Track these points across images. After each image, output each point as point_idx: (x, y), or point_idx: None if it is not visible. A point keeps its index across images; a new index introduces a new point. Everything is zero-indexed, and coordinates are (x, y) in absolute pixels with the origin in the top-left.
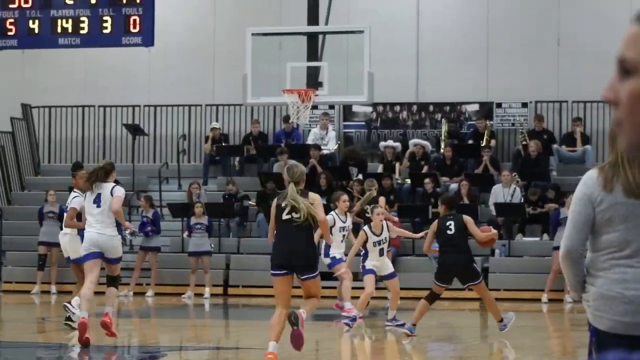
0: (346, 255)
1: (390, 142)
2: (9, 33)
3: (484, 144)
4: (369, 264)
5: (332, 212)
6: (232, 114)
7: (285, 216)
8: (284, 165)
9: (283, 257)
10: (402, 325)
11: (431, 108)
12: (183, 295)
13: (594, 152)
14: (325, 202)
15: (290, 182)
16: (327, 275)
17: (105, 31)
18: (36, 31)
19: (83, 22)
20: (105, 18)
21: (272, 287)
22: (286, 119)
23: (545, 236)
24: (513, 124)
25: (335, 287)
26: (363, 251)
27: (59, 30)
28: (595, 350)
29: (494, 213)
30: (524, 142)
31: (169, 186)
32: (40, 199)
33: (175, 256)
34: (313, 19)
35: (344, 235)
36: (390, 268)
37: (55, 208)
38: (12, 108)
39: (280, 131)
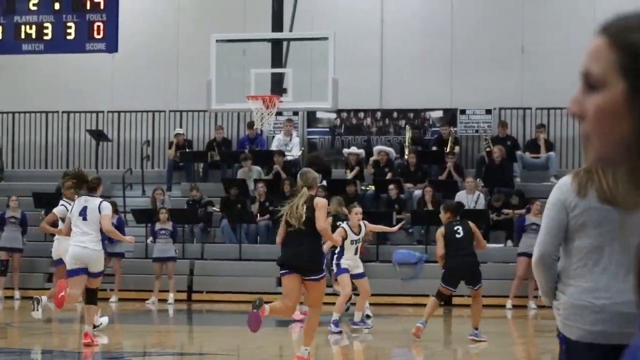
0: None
1: (353, 149)
2: None
3: (447, 150)
4: (344, 263)
5: (344, 224)
6: (196, 120)
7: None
8: (247, 171)
9: (288, 258)
10: (370, 327)
11: (395, 115)
12: (147, 301)
13: (557, 159)
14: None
15: (303, 187)
16: None
17: (69, 37)
18: (0, 37)
19: (47, 28)
20: (69, 24)
21: (235, 292)
22: (250, 125)
23: (510, 242)
24: (477, 131)
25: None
26: (338, 249)
27: (23, 36)
28: (565, 359)
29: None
30: (487, 149)
31: (133, 192)
32: (2, 204)
33: (139, 262)
34: (277, 25)
35: (356, 249)
36: (361, 267)
37: (17, 213)
38: None
39: (244, 137)
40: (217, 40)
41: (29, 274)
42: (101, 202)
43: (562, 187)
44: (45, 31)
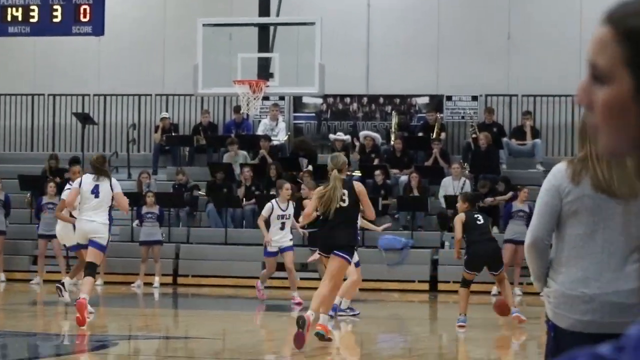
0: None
1: (340, 135)
2: None
3: (434, 136)
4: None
5: (273, 201)
6: (182, 104)
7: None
8: (233, 155)
9: (324, 241)
10: (357, 314)
11: (381, 100)
12: (132, 284)
13: (543, 146)
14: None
15: (333, 170)
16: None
17: (55, 20)
18: None
19: (33, 10)
20: (55, 7)
21: (221, 277)
22: (237, 109)
23: (495, 229)
24: (463, 117)
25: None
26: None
27: (9, 18)
28: (553, 347)
29: (443, 205)
30: (474, 135)
31: (119, 175)
32: None
33: (125, 245)
34: (264, 9)
35: (283, 223)
36: (356, 256)
37: (0, 196)
38: None
39: (230, 122)
40: (203, 25)
41: (13, 256)
42: (111, 179)
43: (557, 174)
44: (31, 14)
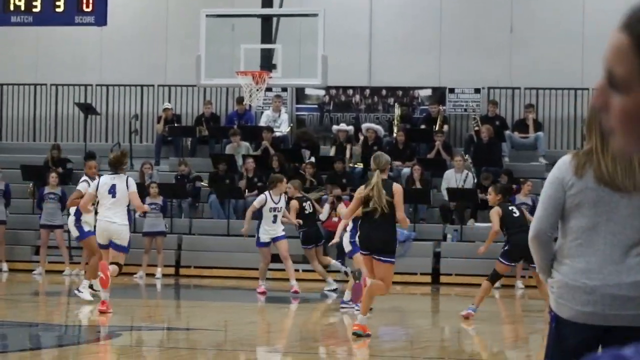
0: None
1: (342, 126)
2: None
3: (436, 129)
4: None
5: (266, 192)
6: (185, 95)
7: (371, 204)
8: (236, 146)
9: (363, 240)
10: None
11: (384, 92)
12: (135, 275)
13: (546, 139)
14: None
15: (375, 170)
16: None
17: (58, 10)
18: None
19: (36, 0)
20: None
21: (223, 268)
22: (239, 100)
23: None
24: (465, 110)
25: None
26: (352, 227)
27: (12, 8)
28: (554, 337)
29: (446, 198)
30: (476, 128)
31: None
32: None
33: None
34: (267, 1)
35: (275, 216)
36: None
37: (0, 185)
38: None
39: (233, 113)
40: (206, 15)
41: (15, 246)
42: (127, 178)
43: (562, 166)
44: (34, 3)
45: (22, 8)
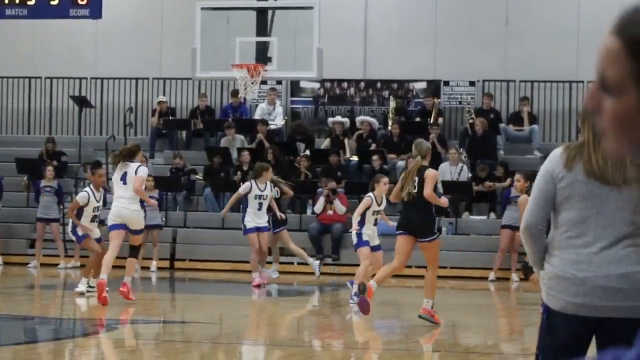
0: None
1: (338, 118)
2: None
3: (431, 121)
4: (364, 233)
5: (252, 180)
6: (179, 88)
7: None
8: (231, 139)
9: (402, 222)
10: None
11: (379, 85)
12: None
13: (540, 132)
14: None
15: (417, 156)
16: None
17: (52, 3)
18: None
19: None
20: None
21: (218, 261)
22: (234, 93)
23: (493, 215)
24: (460, 103)
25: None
26: (359, 219)
27: (6, 1)
28: (546, 328)
29: (441, 191)
30: (470, 121)
31: None
32: None
33: None
34: None
35: (260, 204)
36: (377, 240)
37: None
38: None
39: (228, 106)
40: (202, 8)
41: (9, 239)
42: (139, 166)
43: (553, 159)
44: None
45: (17, 1)
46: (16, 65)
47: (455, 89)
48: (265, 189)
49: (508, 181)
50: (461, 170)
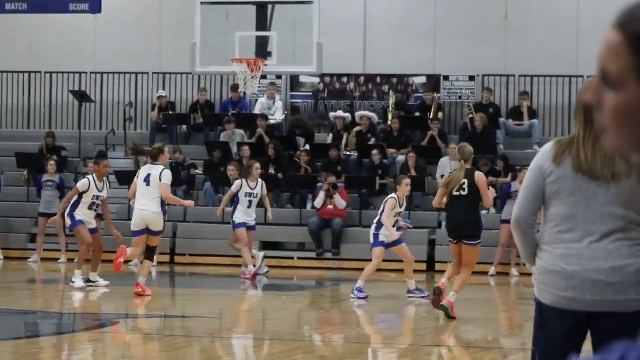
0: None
1: (340, 113)
2: None
3: (431, 116)
4: (382, 234)
5: (242, 179)
6: (179, 82)
7: (455, 192)
8: (231, 134)
9: (450, 227)
10: (427, 296)
11: (378, 80)
12: (130, 263)
13: (540, 127)
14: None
15: (461, 161)
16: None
17: None
18: None
19: None
20: None
21: (218, 256)
22: (234, 87)
23: (492, 209)
24: (460, 97)
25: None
26: (377, 219)
27: None
28: (539, 323)
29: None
30: (470, 116)
31: (116, 153)
32: None
33: (121, 224)
34: None
35: (250, 202)
36: (397, 235)
37: None
38: None
39: (228, 100)
40: (201, 3)
41: (9, 234)
42: (163, 170)
43: (543, 154)
44: None
45: None
46: (16, 60)
47: (455, 83)
48: (256, 187)
49: (510, 176)
50: None
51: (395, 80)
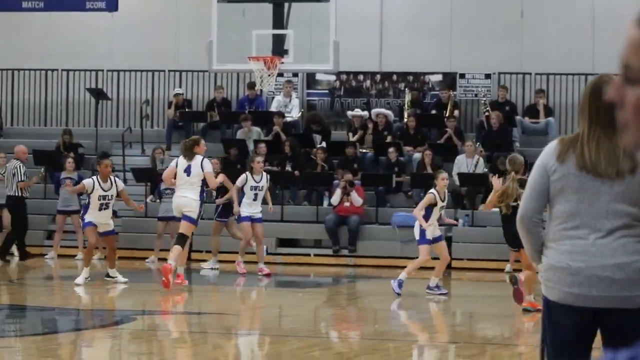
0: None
1: (357, 111)
2: None
3: (447, 114)
4: (428, 232)
5: (247, 173)
6: (196, 80)
7: (512, 203)
8: (247, 131)
9: (515, 236)
10: (445, 293)
11: (394, 77)
12: (146, 260)
13: (556, 125)
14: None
15: (512, 172)
16: (289, 242)
17: None
18: None
19: None
20: None
21: (235, 252)
22: (251, 85)
23: None
24: (476, 95)
25: None
26: (424, 213)
27: None
28: (546, 320)
29: (457, 183)
30: (486, 113)
31: (132, 151)
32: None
33: (138, 220)
34: None
35: (255, 195)
36: (439, 231)
37: (1, 169)
38: None
39: (244, 98)
40: (218, 0)
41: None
42: (202, 159)
43: (547, 152)
44: None
45: None
46: (33, 58)
47: (471, 81)
48: (260, 180)
49: (526, 174)
50: (477, 162)
51: (411, 77)
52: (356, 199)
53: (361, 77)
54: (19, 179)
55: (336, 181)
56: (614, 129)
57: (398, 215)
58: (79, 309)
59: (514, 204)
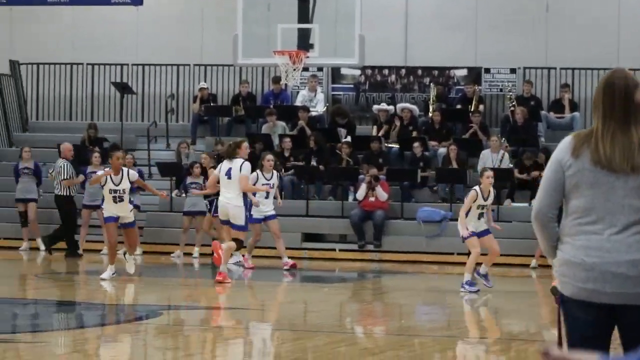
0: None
1: (383, 105)
2: None
3: (472, 109)
4: (471, 227)
5: (257, 171)
6: (221, 74)
7: None
8: (272, 126)
9: None
10: (477, 291)
11: (420, 72)
12: (172, 254)
13: (582, 119)
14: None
15: None
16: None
17: None
18: None
19: None
20: None
21: (260, 247)
22: (276, 79)
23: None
24: (501, 90)
25: None
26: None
27: None
28: (563, 316)
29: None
30: (512, 108)
31: (157, 145)
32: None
33: (164, 215)
34: None
35: (267, 193)
36: (484, 226)
37: (30, 164)
38: (0, 64)
39: (269, 92)
40: None
41: (49, 225)
42: (243, 162)
43: (562, 147)
44: None
45: None
46: (58, 52)
47: (496, 76)
48: (271, 178)
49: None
50: (502, 157)
51: (436, 72)
52: (381, 193)
53: (386, 71)
54: (63, 177)
55: (361, 176)
56: (629, 124)
57: (423, 210)
58: (104, 304)
59: None
